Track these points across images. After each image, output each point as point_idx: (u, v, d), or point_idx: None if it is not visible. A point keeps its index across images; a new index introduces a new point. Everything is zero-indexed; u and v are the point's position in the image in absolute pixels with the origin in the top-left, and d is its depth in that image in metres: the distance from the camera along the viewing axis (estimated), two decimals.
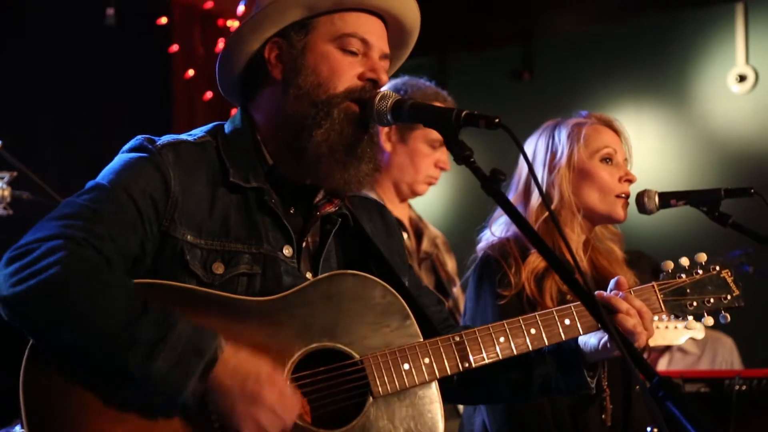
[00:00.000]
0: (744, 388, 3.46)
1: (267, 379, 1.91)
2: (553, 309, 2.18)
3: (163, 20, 6.10)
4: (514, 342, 2.13)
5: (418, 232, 3.51)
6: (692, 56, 6.67)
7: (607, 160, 2.86)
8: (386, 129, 3.37)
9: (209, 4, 6.24)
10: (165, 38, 6.26)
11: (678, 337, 3.88)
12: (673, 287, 2.27)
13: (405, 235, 3.41)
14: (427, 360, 2.05)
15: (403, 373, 2.02)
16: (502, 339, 2.12)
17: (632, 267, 2.95)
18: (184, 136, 2.18)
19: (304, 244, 2.17)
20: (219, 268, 2.05)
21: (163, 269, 2.04)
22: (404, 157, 3.40)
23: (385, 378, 2.02)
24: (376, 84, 2.15)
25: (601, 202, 2.84)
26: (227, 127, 2.25)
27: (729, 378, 3.52)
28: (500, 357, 2.12)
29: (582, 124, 2.89)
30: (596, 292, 2.23)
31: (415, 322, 2.10)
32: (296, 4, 2.14)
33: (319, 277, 2.09)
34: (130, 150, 2.14)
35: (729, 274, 2.31)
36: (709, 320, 2.30)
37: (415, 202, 3.68)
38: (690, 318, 2.27)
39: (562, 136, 2.87)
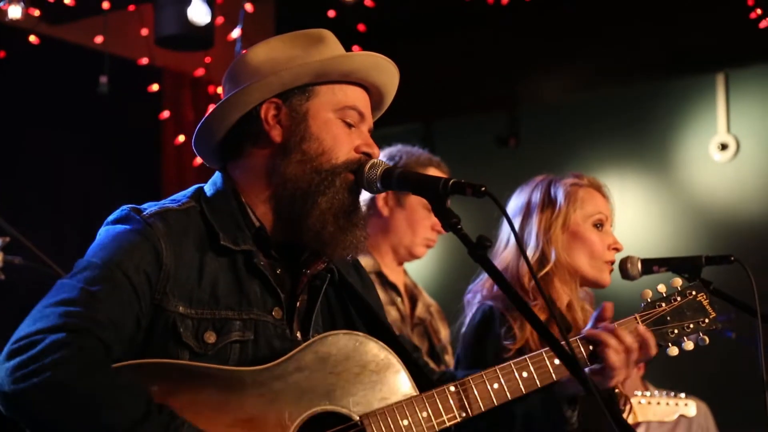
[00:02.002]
0: None
1: None
2: (542, 350, 2.20)
3: (155, 87, 6.18)
4: (507, 387, 2.14)
5: (413, 298, 3.54)
6: (674, 124, 6.78)
7: (599, 225, 2.89)
8: (383, 194, 3.41)
9: (200, 72, 6.33)
10: (156, 105, 6.34)
11: (670, 414, 3.88)
12: (654, 317, 2.29)
13: (399, 300, 3.43)
14: (425, 414, 2.06)
15: (403, 429, 2.03)
16: (496, 385, 2.13)
17: None
18: (168, 203, 2.16)
19: (298, 304, 2.17)
20: (211, 338, 2.04)
21: (154, 342, 2.03)
22: (402, 221, 3.44)
23: None
24: (370, 157, 2.20)
25: (590, 266, 2.87)
26: (208, 189, 2.22)
27: None
28: (495, 404, 2.13)
29: (578, 185, 2.90)
30: (587, 327, 2.26)
31: (409, 375, 2.11)
32: (306, 73, 2.17)
33: (312, 339, 2.09)
34: (117, 221, 2.12)
35: (704, 297, 2.33)
36: (689, 344, 2.32)
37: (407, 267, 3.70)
38: (670, 345, 2.28)
39: (558, 195, 2.87)
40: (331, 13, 6.00)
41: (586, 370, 2.19)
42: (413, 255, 3.49)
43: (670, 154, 6.78)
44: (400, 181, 2.20)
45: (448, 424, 2.08)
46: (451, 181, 2.11)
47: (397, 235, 3.45)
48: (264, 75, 2.18)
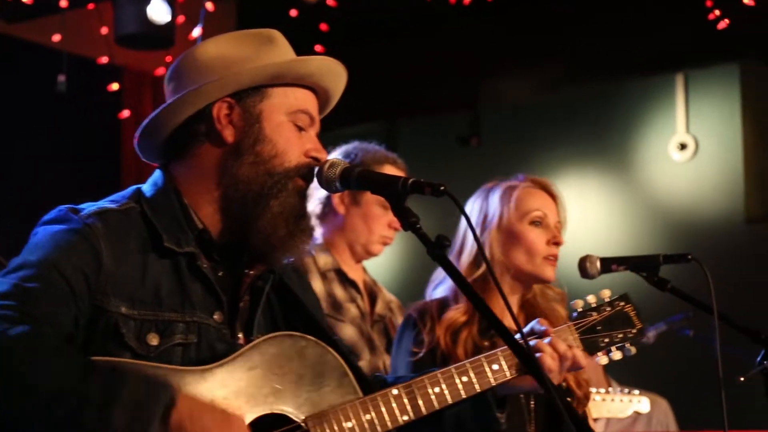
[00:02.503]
0: None
1: (227, 417, 1.91)
2: (481, 356, 2.24)
3: (114, 86, 6.14)
4: (448, 390, 2.17)
5: (373, 295, 3.54)
6: (634, 124, 6.83)
7: (537, 222, 2.93)
8: (339, 192, 3.41)
9: (160, 71, 6.29)
10: (116, 104, 6.29)
11: (624, 410, 3.93)
12: (586, 326, 2.34)
13: (359, 297, 3.43)
14: (368, 417, 2.06)
15: (347, 431, 2.04)
16: (437, 389, 2.15)
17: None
18: (106, 204, 2.12)
19: (241, 304, 2.16)
20: (153, 339, 2.01)
21: (95, 342, 1.99)
22: (358, 219, 3.44)
23: None
24: (318, 161, 2.19)
25: (528, 263, 2.91)
26: (148, 190, 2.19)
27: None
28: (436, 407, 2.15)
29: (515, 187, 2.97)
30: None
31: (353, 378, 2.12)
32: (263, 75, 2.15)
33: (256, 341, 2.06)
34: (53, 221, 2.08)
35: (632, 308, 2.41)
36: (617, 354, 2.38)
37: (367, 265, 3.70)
38: (600, 354, 2.35)
39: (494, 199, 2.95)
40: (293, 13, 5.99)
41: (526, 378, 2.25)
42: (370, 253, 3.50)
43: (630, 154, 6.84)
44: (360, 180, 2.20)
45: (391, 427, 2.09)
46: (411, 180, 2.11)
47: (354, 233, 3.45)
48: (217, 73, 2.15)
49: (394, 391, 2.11)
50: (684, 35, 6.28)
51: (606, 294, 2.45)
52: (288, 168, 2.14)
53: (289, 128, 2.18)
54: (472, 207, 3.00)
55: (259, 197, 2.11)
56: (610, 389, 3.74)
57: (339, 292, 3.37)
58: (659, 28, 6.36)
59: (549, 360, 2.26)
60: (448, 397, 2.16)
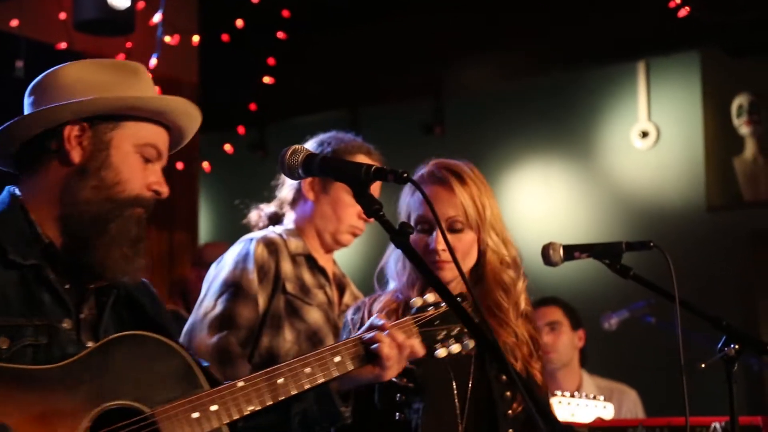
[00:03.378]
0: None
1: None
2: (324, 348, 2.32)
3: None
4: (292, 381, 2.25)
5: (341, 287, 3.51)
6: (596, 112, 6.86)
7: (418, 227, 2.77)
8: (309, 179, 3.38)
9: (121, 57, 6.22)
10: None
11: (588, 416, 3.95)
12: (425, 320, 2.43)
13: (327, 285, 3.41)
14: (214, 407, 2.14)
15: (194, 421, 2.12)
16: (281, 380, 2.24)
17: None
18: None
19: (81, 316, 2.23)
20: (4, 343, 2.08)
21: None
22: (327, 206, 3.40)
23: (176, 428, 2.11)
24: (159, 195, 2.29)
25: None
26: None
27: (633, 426, 3.60)
28: (281, 397, 2.24)
29: (406, 192, 2.85)
30: (360, 331, 2.40)
31: (199, 372, 2.21)
32: (121, 105, 2.24)
33: (103, 340, 2.15)
34: None
35: (468, 306, 2.48)
36: (456, 347, 2.46)
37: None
38: (438, 346, 2.45)
39: (402, 196, 2.85)
40: (255, 0, 5.95)
41: (366, 368, 2.36)
42: (339, 242, 3.47)
43: (593, 142, 6.87)
44: (322, 167, 2.20)
45: (236, 417, 2.17)
46: (373, 167, 2.10)
47: (323, 220, 3.41)
48: (76, 96, 2.24)
49: (240, 383, 2.19)
50: (645, 23, 6.31)
51: None
52: (129, 196, 2.24)
53: (136, 159, 2.27)
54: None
55: (98, 220, 2.22)
56: (575, 393, 3.75)
57: (308, 277, 3.34)
58: (620, 16, 6.38)
59: (387, 348, 2.33)
60: (292, 388, 2.25)
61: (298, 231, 3.41)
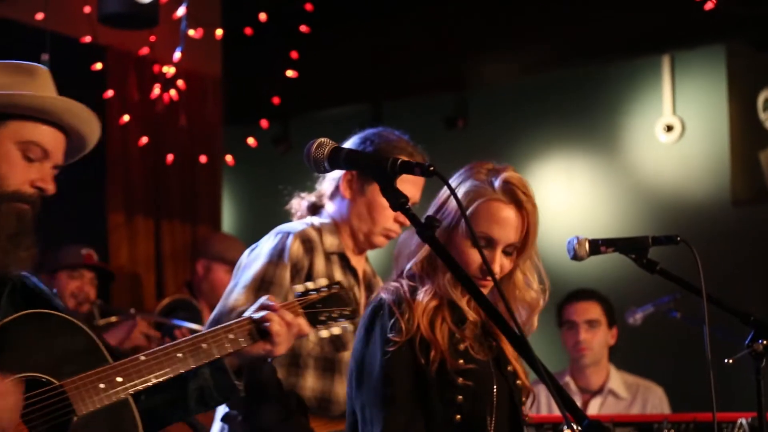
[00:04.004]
0: (672, 431, 3.53)
1: None
2: (219, 327, 2.47)
3: (98, 66, 6.08)
4: (191, 356, 2.41)
5: (370, 287, 3.49)
6: (621, 106, 6.82)
7: (482, 243, 2.65)
8: (348, 176, 3.37)
9: (145, 50, 6.24)
10: (99, 84, 6.24)
11: None
12: (308, 302, 2.61)
13: (356, 287, 3.39)
14: (119, 378, 2.30)
15: (101, 391, 2.28)
16: (180, 355, 2.39)
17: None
18: None
19: None
20: None
21: None
22: (362, 207, 3.37)
23: (85, 398, 2.25)
24: (43, 191, 2.42)
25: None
26: None
27: (657, 422, 3.58)
28: (181, 371, 2.40)
29: (482, 194, 2.66)
30: (249, 310, 2.54)
31: (103, 348, 2.38)
32: (3, 102, 2.36)
33: (6, 319, 2.27)
34: None
35: (345, 292, 2.68)
36: (336, 329, 2.64)
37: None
38: (320, 327, 2.63)
39: (459, 194, 2.66)
40: None
41: (258, 344, 2.50)
42: (372, 244, 3.44)
43: (617, 136, 6.83)
44: (348, 160, 2.20)
45: (140, 387, 2.32)
46: (400, 160, 2.10)
47: (358, 221, 3.38)
48: None
49: (142, 357, 2.35)
50: (670, 16, 6.26)
51: (324, 281, 2.69)
52: (6, 192, 2.36)
53: (16, 158, 2.39)
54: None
55: None
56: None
57: (339, 276, 3.32)
58: (645, 9, 6.33)
59: (277, 326, 2.48)
60: (191, 362, 2.40)
61: (335, 227, 3.40)
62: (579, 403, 3.45)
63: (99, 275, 5.57)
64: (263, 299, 2.57)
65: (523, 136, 7.10)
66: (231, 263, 5.81)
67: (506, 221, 2.64)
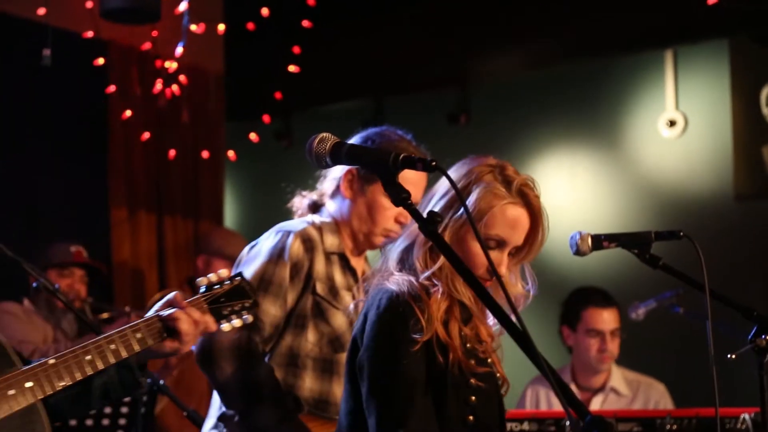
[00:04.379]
0: (675, 427, 3.52)
1: None
2: (126, 327, 2.48)
3: (100, 61, 6.08)
4: (99, 358, 2.43)
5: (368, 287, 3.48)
6: (623, 101, 6.81)
7: (491, 244, 2.61)
8: (348, 176, 3.36)
9: (147, 45, 6.23)
10: (102, 79, 6.24)
11: None
12: (212, 297, 2.62)
13: (355, 288, 3.37)
14: (29, 384, 2.32)
15: (10, 398, 2.29)
16: (88, 357, 2.41)
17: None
18: None
19: None
20: None
21: None
22: (363, 207, 3.35)
23: None
24: None
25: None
26: None
27: (660, 417, 3.57)
28: (89, 372, 2.41)
29: (501, 197, 2.60)
30: (156, 307, 2.55)
31: (11, 352, 2.39)
32: None
33: None
34: None
35: (246, 284, 2.70)
36: (238, 322, 2.65)
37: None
38: (223, 321, 2.65)
39: (473, 195, 2.59)
40: None
41: (166, 342, 2.52)
42: (372, 244, 3.42)
43: (620, 131, 6.82)
44: (350, 155, 2.18)
45: (48, 392, 2.34)
46: (402, 155, 2.09)
47: (358, 221, 3.36)
48: None
49: (51, 361, 2.37)
50: (673, 11, 6.25)
51: (225, 274, 2.70)
52: None
53: None
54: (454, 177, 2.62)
55: None
56: None
57: (338, 277, 3.31)
58: (648, 4, 6.32)
59: (185, 325, 2.50)
60: (99, 363, 2.42)
61: (335, 226, 3.38)
62: None
63: (90, 272, 5.55)
64: (170, 296, 2.59)
65: (526, 131, 7.09)
66: (231, 258, 5.80)
67: (520, 224, 2.61)
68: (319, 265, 3.27)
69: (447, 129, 7.26)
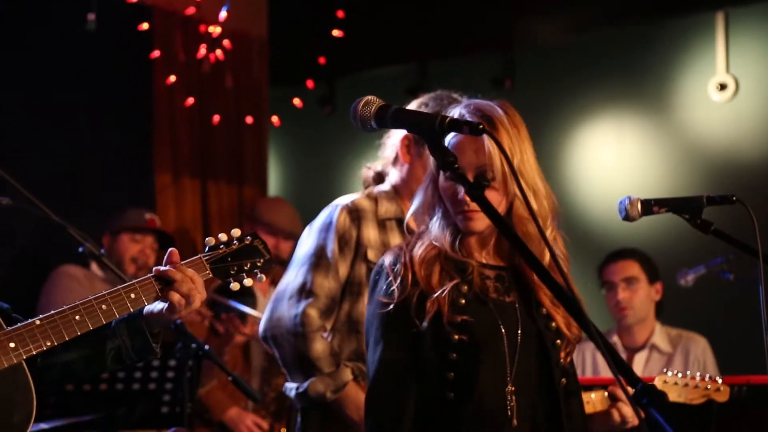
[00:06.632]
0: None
1: None
2: (120, 287, 2.43)
3: (144, 26, 6.08)
4: (89, 318, 2.37)
5: None
6: (672, 65, 6.69)
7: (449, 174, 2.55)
8: (405, 141, 3.39)
9: (191, 10, 6.23)
10: (146, 44, 6.24)
11: (698, 398, 3.34)
12: (217, 257, 2.57)
13: None
14: (12, 344, 2.28)
15: None
16: (78, 317, 2.36)
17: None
18: None
19: None
20: None
21: None
22: (420, 170, 3.37)
23: None
24: None
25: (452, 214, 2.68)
26: None
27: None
28: (78, 333, 2.36)
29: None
30: (153, 270, 2.48)
31: None
32: None
33: None
34: None
35: (260, 242, 2.64)
36: (249, 281, 2.61)
37: None
38: (231, 280, 2.61)
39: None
40: None
41: (160, 304, 2.46)
42: None
43: (669, 95, 6.71)
44: (395, 118, 2.16)
45: (34, 352, 2.31)
46: (448, 118, 2.06)
47: (417, 184, 3.39)
48: None
49: (37, 321, 2.33)
50: None
51: (237, 233, 2.65)
52: None
53: None
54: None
55: None
56: (688, 372, 3.38)
57: (396, 240, 3.35)
58: None
59: (184, 286, 2.44)
60: (89, 323, 2.36)
61: (395, 192, 3.42)
62: None
63: (160, 241, 5.58)
64: (166, 255, 2.54)
65: (572, 96, 7.00)
66: (274, 227, 5.82)
67: (476, 144, 2.59)
68: (370, 233, 3.35)
69: (492, 93, 7.15)
